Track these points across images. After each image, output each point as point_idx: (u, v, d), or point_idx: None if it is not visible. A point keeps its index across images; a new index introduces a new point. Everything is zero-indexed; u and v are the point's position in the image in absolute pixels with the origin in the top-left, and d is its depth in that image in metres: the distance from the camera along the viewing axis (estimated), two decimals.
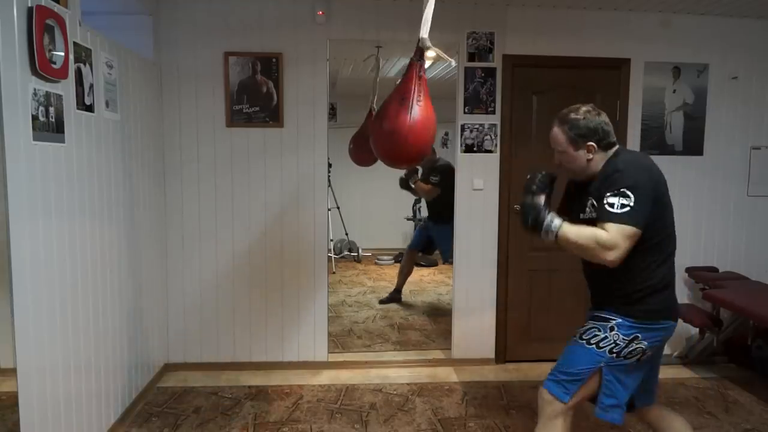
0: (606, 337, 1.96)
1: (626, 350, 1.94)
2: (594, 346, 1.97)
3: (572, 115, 2.01)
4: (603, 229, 1.83)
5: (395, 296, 5.38)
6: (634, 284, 1.94)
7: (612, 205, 1.83)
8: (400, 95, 2.23)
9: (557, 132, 2.03)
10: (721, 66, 3.79)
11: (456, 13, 3.56)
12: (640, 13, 3.67)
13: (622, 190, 1.84)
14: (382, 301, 5.33)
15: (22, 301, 2.00)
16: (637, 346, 1.94)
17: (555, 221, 1.91)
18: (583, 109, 2.02)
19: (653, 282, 1.93)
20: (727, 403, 3.21)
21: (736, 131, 3.85)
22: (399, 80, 2.30)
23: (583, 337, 2.01)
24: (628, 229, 1.81)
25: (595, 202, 1.94)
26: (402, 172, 5.15)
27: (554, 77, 3.68)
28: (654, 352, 2.03)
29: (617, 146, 2.05)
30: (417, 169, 5.00)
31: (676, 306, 2.04)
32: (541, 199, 1.99)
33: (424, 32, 2.23)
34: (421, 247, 5.40)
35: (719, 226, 3.89)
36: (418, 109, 2.19)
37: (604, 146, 2.00)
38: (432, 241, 5.25)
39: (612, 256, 1.81)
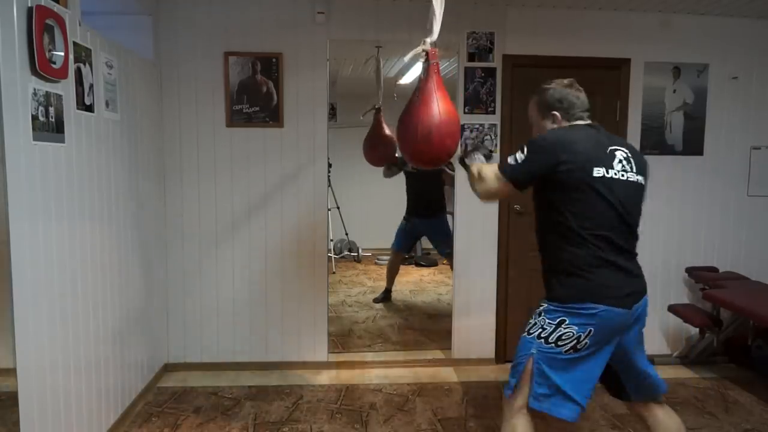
0: (535, 323, 1.99)
1: (554, 335, 1.91)
2: (526, 333, 2.01)
3: (544, 86, 2.13)
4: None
5: (386, 296, 5.37)
6: (553, 264, 2.00)
7: (512, 156, 1.96)
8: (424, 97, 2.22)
9: (531, 103, 2.16)
10: (721, 66, 3.79)
11: (456, 13, 3.56)
12: (640, 13, 3.67)
13: (522, 145, 1.95)
14: (376, 300, 5.35)
15: (22, 301, 2.00)
16: (566, 330, 1.90)
17: (480, 157, 2.11)
18: (557, 81, 2.12)
19: (569, 262, 1.93)
20: (727, 403, 3.21)
21: (736, 131, 3.85)
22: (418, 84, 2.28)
23: (524, 328, 2.05)
24: (500, 174, 1.96)
25: None
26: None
27: (554, 77, 3.65)
28: (603, 343, 1.93)
29: (583, 122, 2.07)
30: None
31: (608, 290, 1.89)
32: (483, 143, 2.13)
33: (436, 34, 2.21)
34: (407, 248, 5.35)
35: (719, 226, 3.89)
36: (444, 108, 2.20)
37: (569, 117, 2.06)
38: (417, 238, 5.14)
39: (478, 187, 2.02)
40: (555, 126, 2.06)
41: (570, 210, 1.91)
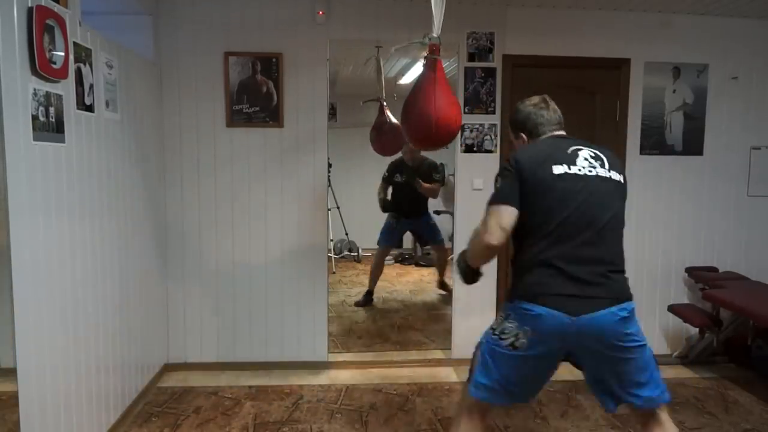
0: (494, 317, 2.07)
1: (500, 327, 1.93)
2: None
3: (516, 106, 2.16)
4: None
5: (368, 299, 5.25)
6: (513, 265, 1.99)
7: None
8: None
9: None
10: (721, 66, 3.79)
11: (456, 13, 3.56)
12: (640, 13, 3.67)
13: (496, 176, 1.95)
14: (357, 304, 5.24)
15: (22, 301, 2.00)
16: (509, 324, 1.88)
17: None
18: (527, 100, 2.12)
19: (519, 263, 1.92)
20: (727, 403, 3.21)
21: (736, 131, 3.85)
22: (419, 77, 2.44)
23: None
24: (491, 208, 1.90)
25: None
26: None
27: (554, 77, 3.67)
28: (538, 345, 1.83)
29: (551, 134, 2.03)
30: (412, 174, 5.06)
31: (546, 292, 1.80)
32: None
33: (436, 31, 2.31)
34: (395, 244, 5.47)
35: (719, 226, 3.89)
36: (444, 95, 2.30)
37: (535, 136, 2.05)
38: (402, 235, 5.36)
39: (488, 238, 1.85)
40: (522, 144, 2.09)
41: (532, 216, 1.86)
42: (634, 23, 3.68)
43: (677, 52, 3.75)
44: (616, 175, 1.92)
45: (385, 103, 4.40)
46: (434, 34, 2.30)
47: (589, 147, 1.96)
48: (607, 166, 1.92)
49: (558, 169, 1.86)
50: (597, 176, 1.88)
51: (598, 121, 3.74)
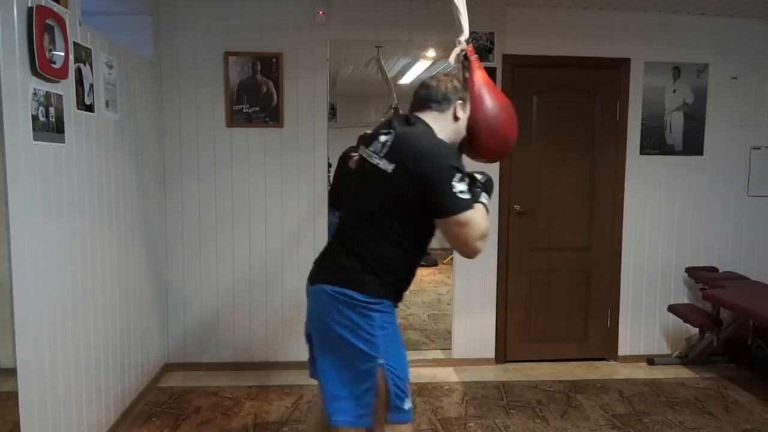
0: None
1: None
2: None
3: None
4: None
5: None
6: None
7: None
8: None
9: None
10: (721, 66, 3.79)
11: None
12: (640, 13, 3.68)
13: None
14: None
15: (22, 301, 2.00)
16: None
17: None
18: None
19: None
20: (727, 403, 3.21)
21: (736, 131, 3.85)
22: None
23: None
24: None
25: None
26: None
27: (554, 77, 3.68)
28: (313, 330, 1.86)
29: (410, 114, 1.86)
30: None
31: (314, 269, 1.87)
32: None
33: (466, 34, 2.27)
34: None
35: (719, 226, 3.89)
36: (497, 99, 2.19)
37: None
38: None
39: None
40: None
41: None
42: (634, 23, 3.68)
43: (677, 52, 3.75)
44: (385, 164, 1.72)
45: (398, 108, 4.31)
46: (466, 35, 2.22)
47: (391, 132, 1.77)
48: (383, 152, 1.74)
49: (352, 155, 1.90)
50: (369, 164, 1.77)
51: (598, 121, 3.75)
